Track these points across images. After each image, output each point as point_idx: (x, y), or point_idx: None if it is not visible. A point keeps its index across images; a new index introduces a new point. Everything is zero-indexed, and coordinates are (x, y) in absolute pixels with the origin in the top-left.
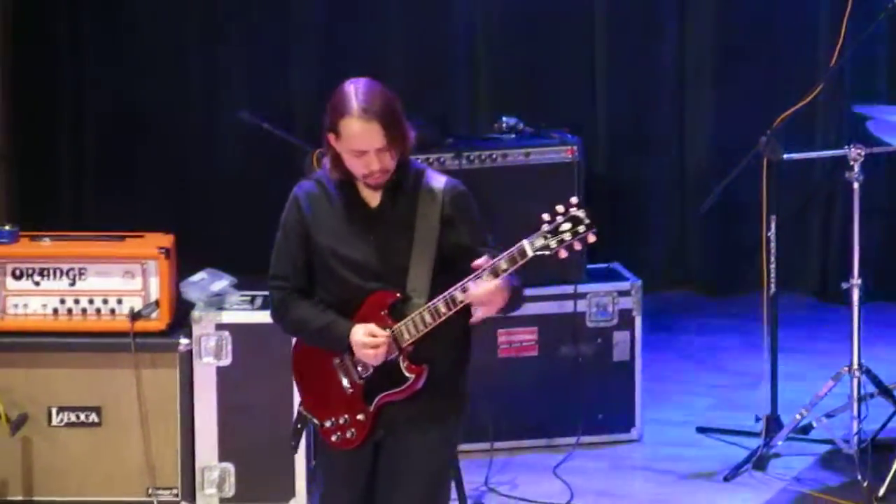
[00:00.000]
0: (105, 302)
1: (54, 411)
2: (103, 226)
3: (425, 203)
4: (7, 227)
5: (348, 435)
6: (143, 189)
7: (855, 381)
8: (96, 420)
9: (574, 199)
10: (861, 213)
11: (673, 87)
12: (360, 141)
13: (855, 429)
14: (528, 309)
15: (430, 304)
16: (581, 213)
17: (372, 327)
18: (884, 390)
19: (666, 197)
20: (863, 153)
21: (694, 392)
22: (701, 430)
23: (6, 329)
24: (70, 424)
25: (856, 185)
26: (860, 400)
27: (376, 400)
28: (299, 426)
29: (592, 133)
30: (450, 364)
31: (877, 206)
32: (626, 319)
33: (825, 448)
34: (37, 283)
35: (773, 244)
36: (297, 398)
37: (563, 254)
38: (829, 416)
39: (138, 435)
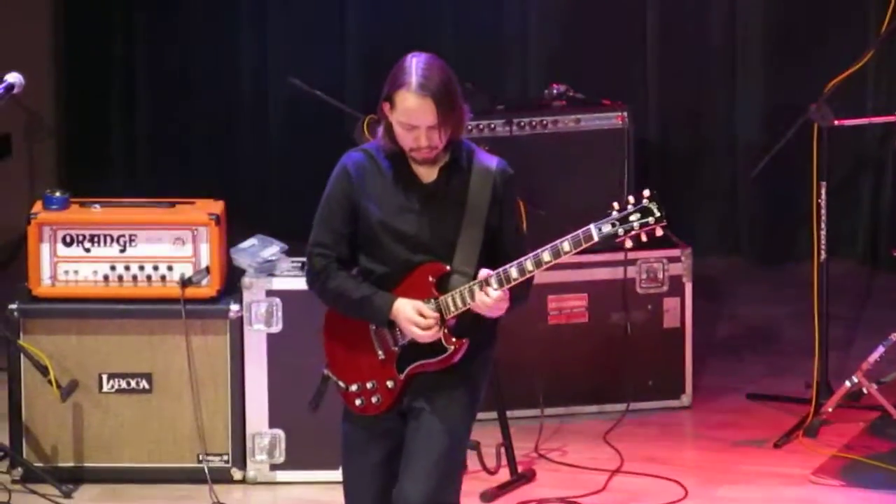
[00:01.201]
0: (155, 268)
1: (105, 378)
2: (154, 194)
3: (478, 182)
4: (57, 194)
5: (373, 400)
6: (194, 156)
7: None
8: (147, 387)
9: (646, 192)
10: None
11: (723, 55)
12: (413, 115)
13: None
14: (579, 275)
15: (479, 279)
16: (653, 206)
17: (420, 305)
18: None
19: (716, 164)
20: None
21: (744, 359)
22: (751, 396)
23: (57, 295)
24: (120, 391)
25: None
26: None
27: (409, 368)
28: (321, 388)
29: (643, 100)
30: (482, 337)
31: None
32: (676, 286)
33: (875, 415)
34: (87, 250)
35: (823, 211)
36: None
37: (629, 243)
38: (879, 382)
39: (189, 402)
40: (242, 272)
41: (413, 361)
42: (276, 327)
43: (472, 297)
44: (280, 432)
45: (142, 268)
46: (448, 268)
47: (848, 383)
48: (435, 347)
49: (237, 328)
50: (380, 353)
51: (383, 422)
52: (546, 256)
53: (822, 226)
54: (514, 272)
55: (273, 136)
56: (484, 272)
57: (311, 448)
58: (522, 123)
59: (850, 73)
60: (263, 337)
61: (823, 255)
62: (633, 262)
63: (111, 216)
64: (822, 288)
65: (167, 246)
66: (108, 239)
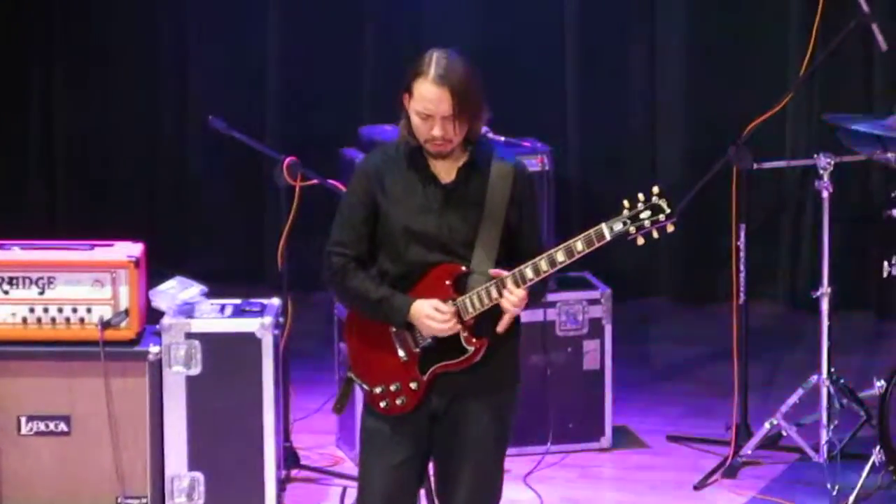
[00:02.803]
0: (74, 311)
1: (23, 420)
2: (73, 236)
3: (497, 181)
4: None
5: (398, 402)
6: (114, 198)
7: (825, 390)
8: (65, 429)
9: (655, 189)
10: (831, 222)
11: (644, 97)
12: (429, 104)
13: (824, 437)
14: None
15: (497, 279)
16: (663, 203)
17: (437, 303)
18: (853, 399)
19: None
20: (832, 162)
21: (664, 401)
22: (671, 438)
23: None
24: (39, 433)
25: (825, 194)
26: (830, 408)
27: (431, 369)
28: (344, 392)
29: (563, 142)
30: (504, 337)
31: (846, 214)
32: (596, 328)
33: (795, 457)
34: (6, 292)
35: (742, 253)
36: (267, 407)
37: (640, 241)
38: (798, 424)
39: (108, 444)
40: (162, 314)
41: (435, 362)
42: (196, 369)
43: (490, 296)
44: (199, 475)
45: (60, 310)
46: (464, 268)
47: (767, 425)
48: (456, 348)
49: (156, 370)
50: (402, 354)
51: (408, 423)
52: (560, 256)
53: (742, 267)
54: (529, 272)
55: (193, 177)
56: (495, 272)
57: (231, 490)
58: None
59: (769, 116)
60: (183, 379)
61: (743, 297)
62: (552, 304)
63: (30, 258)
64: (742, 329)
65: (86, 288)
66: (27, 281)
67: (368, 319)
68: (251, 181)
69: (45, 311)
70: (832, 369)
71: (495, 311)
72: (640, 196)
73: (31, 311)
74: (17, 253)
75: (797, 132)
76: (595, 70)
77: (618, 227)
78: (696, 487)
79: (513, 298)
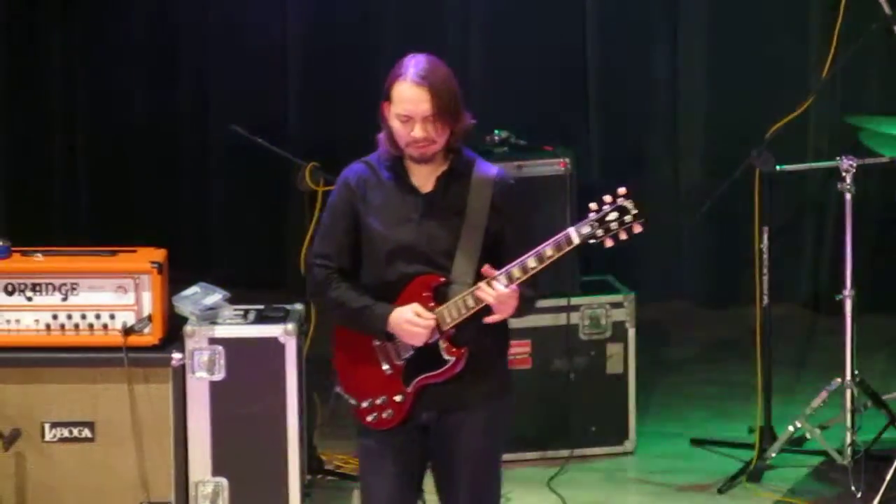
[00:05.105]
0: (97, 317)
1: (47, 427)
2: (96, 242)
3: (477, 190)
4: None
5: (384, 416)
6: (136, 204)
7: (848, 393)
8: (89, 435)
9: (622, 189)
10: (853, 224)
11: (666, 100)
12: (409, 104)
13: (849, 440)
14: (522, 321)
15: (472, 289)
16: (629, 203)
17: (418, 307)
18: (877, 401)
19: (659, 209)
20: (854, 164)
21: (687, 404)
22: (695, 442)
23: None
24: (63, 440)
25: (848, 197)
26: (854, 411)
27: (415, 381)
28: (333, 405)
29: (586, 145)
30: (489, 347)
31: (869, 217)
32: (619, 332)
33: (819, 460)
34: (29, 299)
35: (765, 256)
36: (290, 412)
37: (609, 243)
38: (822, 427)
39: (131, 449)
40: (185, 320)
41: (418, 374)
42: (219, 375)
43: (468, 306)
44: (223, 480)
45: (84, 316)
46: (442, 279)
47: (791, 428)
48: (437, 359)
49: (179, 376)
50: (386, 367)
51: (398, 435)
52: (532, 262)
53: (765, 270)
54: (503, 279)
55: (215, 183)
56: (487, 270)
57: (255, 496)
58: None
59: (791, 118)
60: (206, 385)
61: (766, 300)
62: (576, 308)
63: (53, 265)
64: (765, 332)
65: (109, 294)
66: (50, 287)
67: (353, 333)
68: (273, 186)
69: (69, 317)
70: (856, 372)
71: (476, 320)
72: (607, 198)
73: (55, 317)
74: (40, 260)
75: (819, 134)
76: (617, 73)
77: (585, 230)
78: (720, 491)
79: (491, 292)
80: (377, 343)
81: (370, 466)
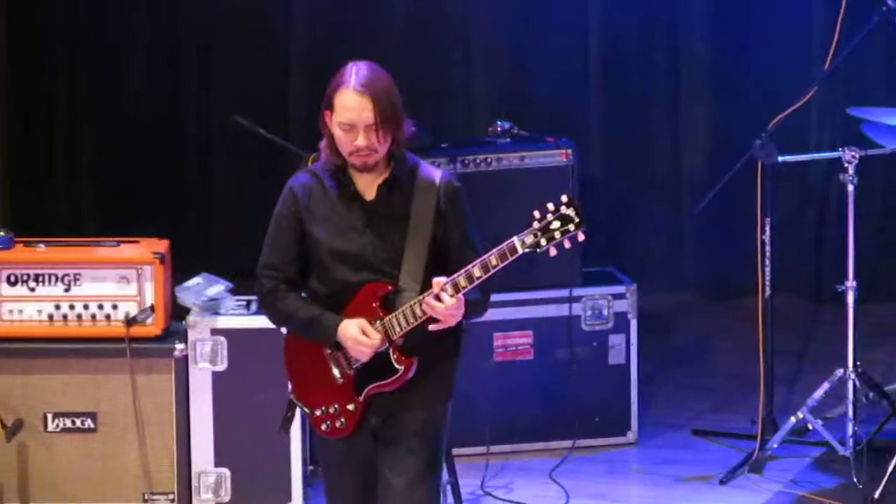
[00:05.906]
0: (100, 307)
1: (50, 417)
2: (99, 233)
3: (421, 196)
4: (2, 233)
5: (338, 424)
6: (139, 195)
7: (850, 383)
8: (92, 426)
9: (564, 198)
10: (856, 216)
11: (668, 91)
12: (351, 112)
13: (851, 431)
14: (524, 312)
15: (420, 297)
16: (571, 212)
17: (365, 325)
18: (879, 392)
19: (661, 200)
20: (857, 155)
21: (690, 395)
22: (697, 432)
23: (1, 335)
24: (66, 430)
25: (850, 188)
26: (856, 402)
27: (366, 390)
28: (289, 414)
29: (587, 136)
30: (440, 356)
31: (871, 208)
32: (621, 323)
33: (821, 450)
34: (32, 289)
35: (767, 247)
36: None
37: (553, 251)
38: (824, 418)
39: (134, 440)
40: (187, 311)
41: (369, 383)
42: (222, 366)
43: (416, 315)
44: (226, 471)
45: (86, 307)
46: (390, 287)
47: (793, 419)
48: (387, 368)
49: (182, 367)
50: (337, 375)
51: (354, 445)
52: (477, 272)
53: (767, 262)
54: (449, 289)
55: (218, 174)
56: (437, 281)
57: (257, 486)
58: (467, 161)
59: (793, 110)
60: (208, 375)
61: (768, 291)
62: (577, 298)
63: (56, 255)
64: (767, 323)
65: (112, 285)
66: (53, 278)
67: (305, 342)
68: (276, 177)
69: (71, 308)
70: (857, 363)
71: (426, 330)
72: (550, 206)
73: (57, 308)
74: (42, 250)
75: (822, 126)
76: (619, 64)
77: (529, 239)
78: (722, 482)
79: (437, 304)
80: (328, 352)
81: (332, 474)
